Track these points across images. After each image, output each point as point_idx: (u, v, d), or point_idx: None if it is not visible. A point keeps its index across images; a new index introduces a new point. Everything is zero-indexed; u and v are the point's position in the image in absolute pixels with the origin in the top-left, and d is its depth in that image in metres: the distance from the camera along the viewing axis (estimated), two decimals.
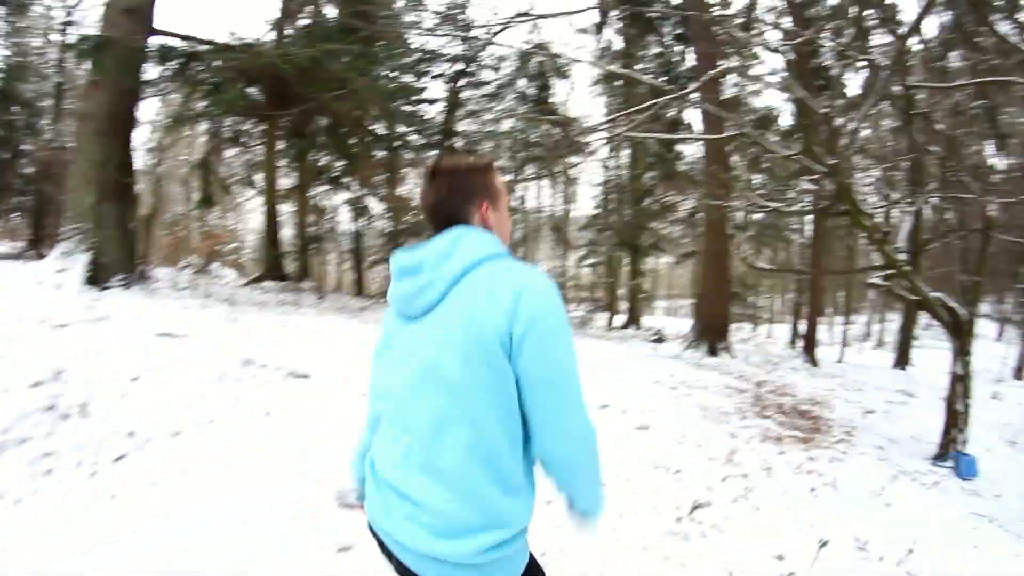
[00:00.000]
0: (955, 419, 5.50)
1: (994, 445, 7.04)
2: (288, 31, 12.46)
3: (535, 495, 1.23)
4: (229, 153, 14.67)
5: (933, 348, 22.83)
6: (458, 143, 15.82)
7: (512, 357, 1.11)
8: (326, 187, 15.16)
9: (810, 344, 14.27)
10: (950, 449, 5.45)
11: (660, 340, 13.97)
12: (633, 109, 5.16)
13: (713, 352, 11.53)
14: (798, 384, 9.91)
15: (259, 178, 15.33)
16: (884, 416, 8.06)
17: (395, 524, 1.18)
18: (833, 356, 16.57)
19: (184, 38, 9.43)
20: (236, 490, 3.12)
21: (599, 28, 17.90)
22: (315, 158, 14.00)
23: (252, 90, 11.50)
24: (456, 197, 1.27)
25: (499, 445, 1.13)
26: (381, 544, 1.26)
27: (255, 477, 3.27)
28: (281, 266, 14.02)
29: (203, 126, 13.27)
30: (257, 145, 14.31)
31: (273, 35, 12.05)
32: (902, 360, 15.91)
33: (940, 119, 7.59)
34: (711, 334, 11.94)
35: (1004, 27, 8.11)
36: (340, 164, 13.82)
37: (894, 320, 25.21)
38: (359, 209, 15.45)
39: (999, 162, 13.06)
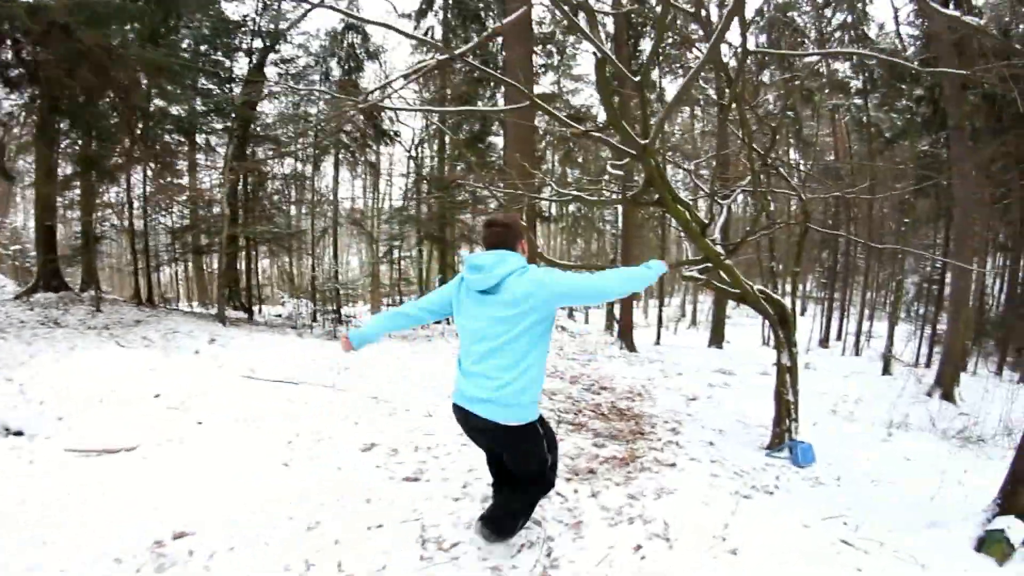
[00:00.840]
0: (787, 409, 5.23)
1: (819, 417, 6.95)
2: None
3: (539, 388, 2.54)
4: None
5: (743, 325, 24.92)
6: (258, 128, 13.82)
7: (538, 307, 2.39)
8: (96, 176, 12.28)
9: (626, 330, 13.94)
10: (784, 439, 5.18)
11: None
12: (420, 65, 4.18)
13: None
14: (616, 375, 9.26)
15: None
16: (708, 402, 7.72)
17: (476, 389, 2.44)
18: (650, 339, 16.97)
19: None
20: None
21: (421, 14, 16.84)
22: (73, 139, 11.24)
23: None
24: (509, 238, 2.54)
25: (523, 352, 2.41)
26: (459, 410, 2.55)
27: None
28: (59, 273, 11.35)
29: None
30: (18, 124, 11.21)
31: None
32: (717, 338, 16.46)
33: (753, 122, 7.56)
34: None
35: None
36: (108, 149, 11.16)
37: (706, 300, 27.20)
38: (140, 201, 12.82)
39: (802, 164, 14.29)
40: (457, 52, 3.52)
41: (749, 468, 4.55)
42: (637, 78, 3.34)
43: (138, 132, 11.36)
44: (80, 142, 11.44)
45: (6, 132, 10.95)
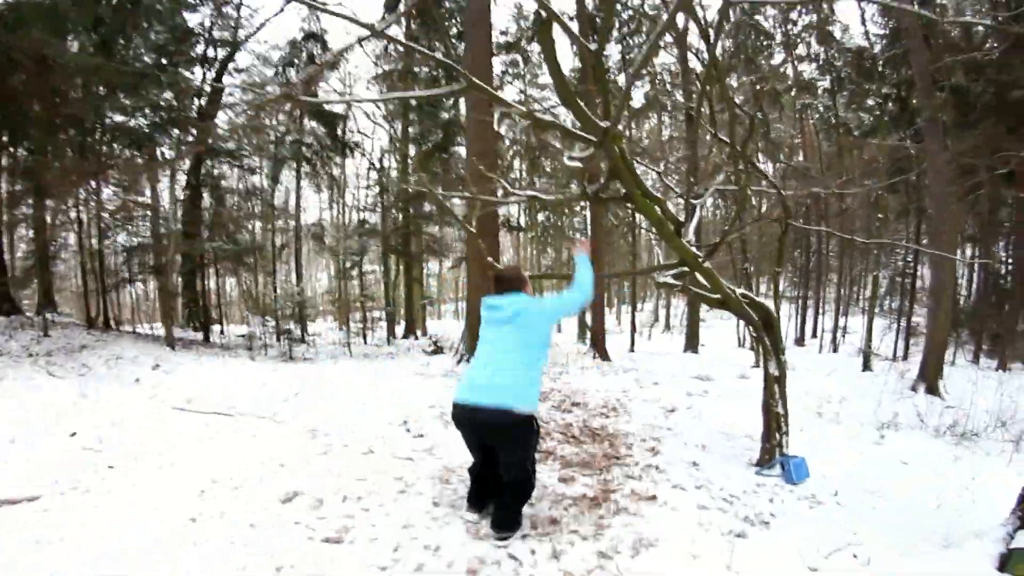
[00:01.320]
0: (776, 422, 4.69)
1: (805, 422, 6.39)
2: None
3: (538, 389, 3.21)
4: None
5: (715, 327, 24.57)
6: (211, 139, 13.02)
7: (530, 324, 3.14)
8: (36, 193, 11.39)
9: (598, 338, 13.33)
10: (775, 454, 4.64)
11: (438, 351, 12.33)
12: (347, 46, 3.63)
13: None
14: (590, 388, 8.60)
15: None
16: (688, 413, 7.20)
17: (480, 392, 3.03)
18: (624, 346, 16.44)
19: None
20: None
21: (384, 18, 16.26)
22: (11, 155, 10.42)
23: None
24: (515, 283, 3.32)
25: (522, 362, 3.06)
26: (466, 410, 3.07)
27: None
28: (9, 296, 10.82)
29: None
30: None
31: None
32: (692, 343, 15.92)
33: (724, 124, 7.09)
34: None
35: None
36: (44, 162, 10.30)
37: (680, 304, 26.81)
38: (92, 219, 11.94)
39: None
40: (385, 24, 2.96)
41: (739, 491, 4.01)
42: (594, 46, 2.79)
43: (84, 144, 10.61)
44: (22, 157, 10.68)
45: None
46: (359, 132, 15.58)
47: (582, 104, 2.88)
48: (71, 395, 6.27)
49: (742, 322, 4.80)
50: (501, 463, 3.13)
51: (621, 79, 16.83)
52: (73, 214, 11.86)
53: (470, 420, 3.09)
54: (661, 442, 5.40)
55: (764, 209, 9.46)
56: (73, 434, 5.06)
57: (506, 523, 3.10)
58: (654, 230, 4.58)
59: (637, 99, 19.62)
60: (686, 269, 4.55)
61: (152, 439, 4.86)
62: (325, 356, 11.97)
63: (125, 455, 4.42)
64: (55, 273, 12.35)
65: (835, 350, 17.57)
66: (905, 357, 14.97)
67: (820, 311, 20.88)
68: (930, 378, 10.00)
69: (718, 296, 4.54)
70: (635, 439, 5.49)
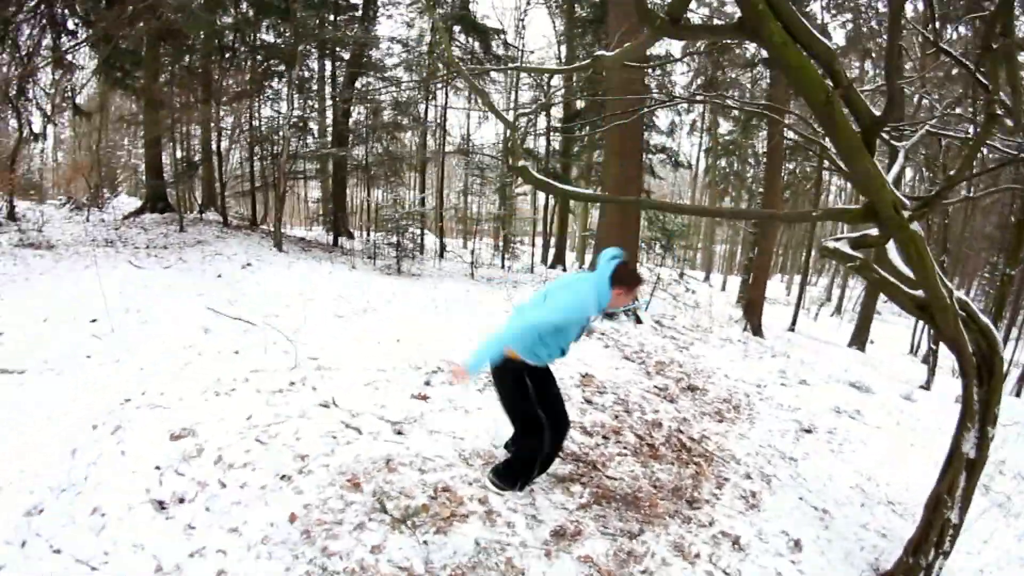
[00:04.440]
0: (940, 531, 2.76)
1: (975, 509, 4.33)
2: None
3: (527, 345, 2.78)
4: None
5: (892, 323, 20.27)
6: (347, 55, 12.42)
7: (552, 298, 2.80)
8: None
9: (754, 308, 11.22)
10: None
11: None
12: None
13: (608, 314, 8.18)
14: (720, 370, 6.90)
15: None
16: (824, 441, 5.19)
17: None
18: (785, 321, 13.79)
19: None
20: None
21: None
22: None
23: None
24: (614, 274, 2.79)
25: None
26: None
27: None
28: (165, 196, 11.62)
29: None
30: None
31: None
32: (860, 338, 13.11)
33: None
34: None
35: None
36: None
37: (857, 286, 22.44)
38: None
39: None
40: None
41: None
42: None
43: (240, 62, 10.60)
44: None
45: (68, 74, 10.67)
46: (513, 46, 14.09)
47: None
48: (128, 283, 6.54)
49: (959, 362, 2.79)
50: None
51: None
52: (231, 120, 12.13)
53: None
54: (769, 486, 3.79)
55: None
56: (94, 320, 5.46)
57: (499, 473, 3.02)
58: (827, 139, 2.61)
59: None
60: (874, 232, 2.68)
61: (142, 340, 5.17)
62: (443, 275, 11.12)
63: (92, 351, 4.85)
64: (223, 176, 12.68)
65: (1019, 394, 13.00)
66: None
67: (1013, 337, 15.56)
68: None
69: (919, 293, 2.66)
70: (737, 472, 3.92)
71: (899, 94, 2.95)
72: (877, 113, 2.30)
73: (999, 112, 2.59)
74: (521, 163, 3.01)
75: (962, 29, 9.27)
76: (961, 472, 2.77)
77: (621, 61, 3.06)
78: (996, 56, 2.46)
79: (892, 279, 2.80)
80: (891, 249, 2.85)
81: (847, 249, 2.77)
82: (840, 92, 2.19)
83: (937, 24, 3.38)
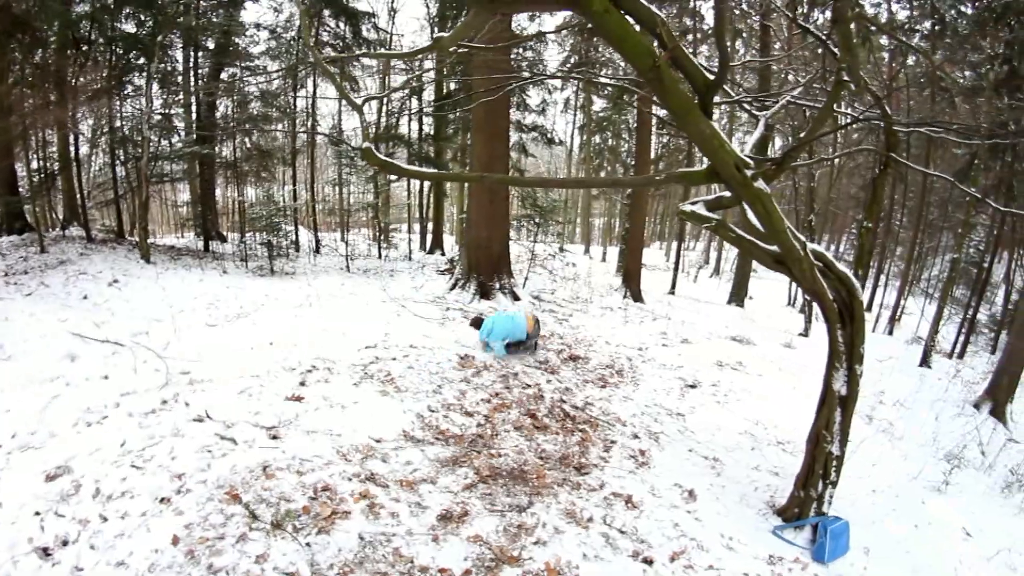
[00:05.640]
0: (824, 464, 2.99)
1: (853, 430, 4.48)
2: None
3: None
4: None
5: (770, 278, 21.81)
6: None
7: None
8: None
9: (632, 275, 11.12)
10: (808, 508, 3.00)
11: (450, 270, 10.46)
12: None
13: (485, 294, 8.11)
14: (601, 338, 6.99)
15: None
16: (709, 394, 5.42)
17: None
18: (664, 286, 14.37)
19: None
20: None
21: None
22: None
23: None
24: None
25: None
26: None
27: None
28: (23, 214, 9.98)
29: None
30: None
31: None
32: (739, 295, 13.78)
33: None
34: (484, 269, 8.31)
35: None
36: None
37: (733, 248, 23.92)
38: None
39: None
40: None
41: (739, 571, 2.49)
42: None
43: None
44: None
45: None
46: (384, 31, 13.36)
47: None
48: None
49: (821, 310, 2.96)
50: None
51: None
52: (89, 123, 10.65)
53: None
54: (658, 443, 3.88)
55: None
56: None
57: None
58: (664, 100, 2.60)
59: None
60: (728, 195, 2.77)
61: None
62: (317, 271, 10.56)
63: None
64: (85, 185, 11.02)
65: (891, 332, 14.96)
66: (962, 355, 12.55)
67: (882, 284, 17.88)
68: (999, 400, 7.86)
69: (775, 248, 2.78)
70: (624, 433, 3.97)
71: (728, 56, 3.04)
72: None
73: (845, 78, 2.77)
74: (366, 145, 2.81)
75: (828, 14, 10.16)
76: (836, 408, 2.96)
77: (456, 41, 3.29)
78: (843, 28, 2.59)
79: (749, 236, 2.90)
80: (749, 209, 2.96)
81: (703, 211, 2.92)
82: (666, 56, 2.20)
83: (806, 8, 3.54)
